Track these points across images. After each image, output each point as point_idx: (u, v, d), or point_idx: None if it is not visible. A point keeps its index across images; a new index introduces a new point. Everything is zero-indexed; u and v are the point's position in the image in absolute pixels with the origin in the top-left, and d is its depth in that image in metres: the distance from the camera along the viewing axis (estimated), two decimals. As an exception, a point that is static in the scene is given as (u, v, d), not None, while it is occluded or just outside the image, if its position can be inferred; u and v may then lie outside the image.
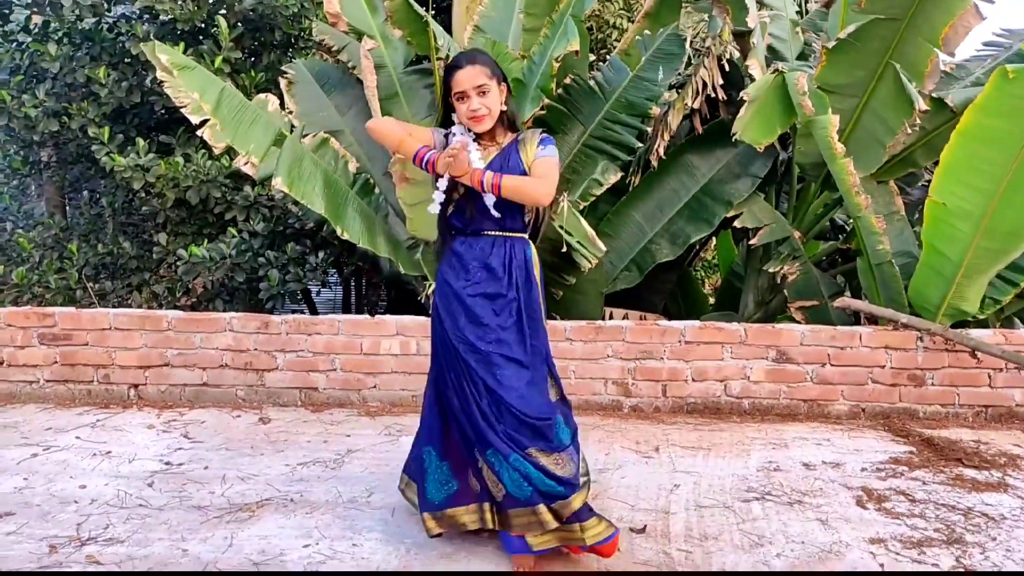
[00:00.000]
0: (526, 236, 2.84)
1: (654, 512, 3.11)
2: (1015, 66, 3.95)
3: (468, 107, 2.65)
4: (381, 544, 2.83)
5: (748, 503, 3.22)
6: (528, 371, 2.69)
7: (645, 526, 3.00)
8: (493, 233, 2.77)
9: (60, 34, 6.03)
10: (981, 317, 4.65)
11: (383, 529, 2.94)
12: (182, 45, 5.39)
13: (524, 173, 2.70)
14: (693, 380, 4.33)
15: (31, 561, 2.67)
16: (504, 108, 2.72)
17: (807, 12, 6.79)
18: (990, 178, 4.14)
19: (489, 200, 2.71)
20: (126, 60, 6.03)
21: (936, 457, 3.74)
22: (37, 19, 6.04)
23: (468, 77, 2.63)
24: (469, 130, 2.74)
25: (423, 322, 4.44)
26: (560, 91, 5.30)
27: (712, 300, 7.57)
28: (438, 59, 4.52)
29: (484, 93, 2.64)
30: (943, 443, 3.91)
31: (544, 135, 2.78)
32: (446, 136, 2.79)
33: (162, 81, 4.75)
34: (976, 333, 4.31)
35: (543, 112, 5.18)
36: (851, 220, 5.16)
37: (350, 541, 2.85)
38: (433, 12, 4.96)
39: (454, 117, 2.76)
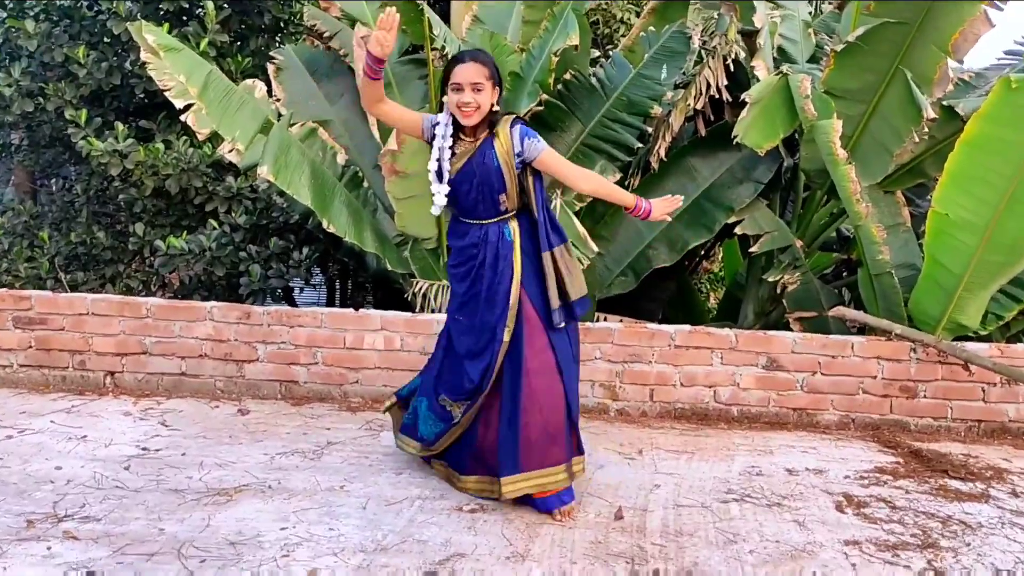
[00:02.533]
0: None
1: (632, 509, 3.45)
2: (1018, 75, 4.30)
3: (459, 99, 3.15)
4: (358, 530, 3.15)
5: (726, 504, 3.56)
6: None
7: (620, 507, 3.39)
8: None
9: (37, 10, 6.33)
10: (983, 333, 5.00)
11: (360, 516, 3.27)
12: (166, 26, 5.64)
13: (499, 167, 3.24)
14: (682, 385, 4.68)
15: (9, 535, 2.98)
16: (496, 109, 3.22)
17: (821, 13, 7.18)
18: (994, 188, 4.47)
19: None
20: (106, 40, 6.33)
21: (922, 468, 4.08)
22: (14, -7, 6.33)
23: (467, 73, 3.14)
24: (454, 120, 3.24)
25: (408, 318, 4.78)
26: (559, 87, 5.66)
27: (714, 314, 7.91)
28: (433, 49, 4.87)
29: (478, 90, 3.14)
30: (931, 455, 4.25)
31: (519, 124, 3.28)
32: (433, 125, 3.30)
33: (145, 63, 5.10)
34: (970, 346, 4.66)
35: (540, 108, 5.54)
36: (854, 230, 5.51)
37: (327, 526, 3.17)
38: (431, 1, 5.31)
39: (445, 103, 3.25)
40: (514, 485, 3.28)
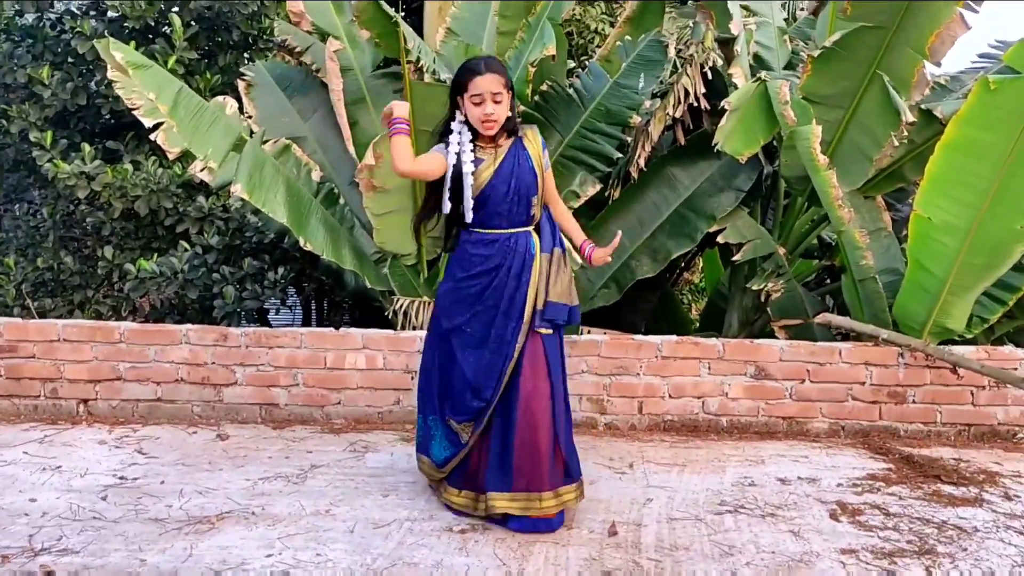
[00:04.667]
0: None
1: (626, 524, 3.45)
2: (996, 76, 4.37)
3: (483, 111, 3.19)
4: (346, 554, 3.12)
5: (720, 516, 3.57)
6: None
7: (613, 523, 3.40)
8: None
9: (-2, 30, 6.29)
10: (968, 336, 5.06)
11: (348, 540, 3.24)
12: (132, 44, 5.60)
13: (533, 169, 3.33)
14: (670, 397, 4.70)
15: (-16, 570, 2.94)
16: (509, 115, 3.27)
17: (796, 20, 7.28)
18: (975, 191, 4.54)
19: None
20: (71, 60, 6.30)
21: (914, 474, 4.12)
22: (-28, 13, 6.28)
23: (487, 83, 3.17)
24: (470, 129, 3.29)
25: (390, 335, 4.77)
26: (536, 98, 5.69)
27: (697, 325, 7.94)
28: (408, 63, 4.88)
29: (498, 101, 3.19)
30: (923, 461, 4.30)
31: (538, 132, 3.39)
32: (446, 145, 3.32)
33: (112, 82, 5.07)
34: (958, 349, 4.72)
35: (519, 120, 5.56)
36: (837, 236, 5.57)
37: (314, 551, 3.14)
38: (403, 13, 5.32)
39: (453, 125, 3.30)
40: (501, 502, 3.28)
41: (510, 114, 3.27)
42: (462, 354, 3.36)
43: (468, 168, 3.26)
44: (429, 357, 3.52)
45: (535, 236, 3.38)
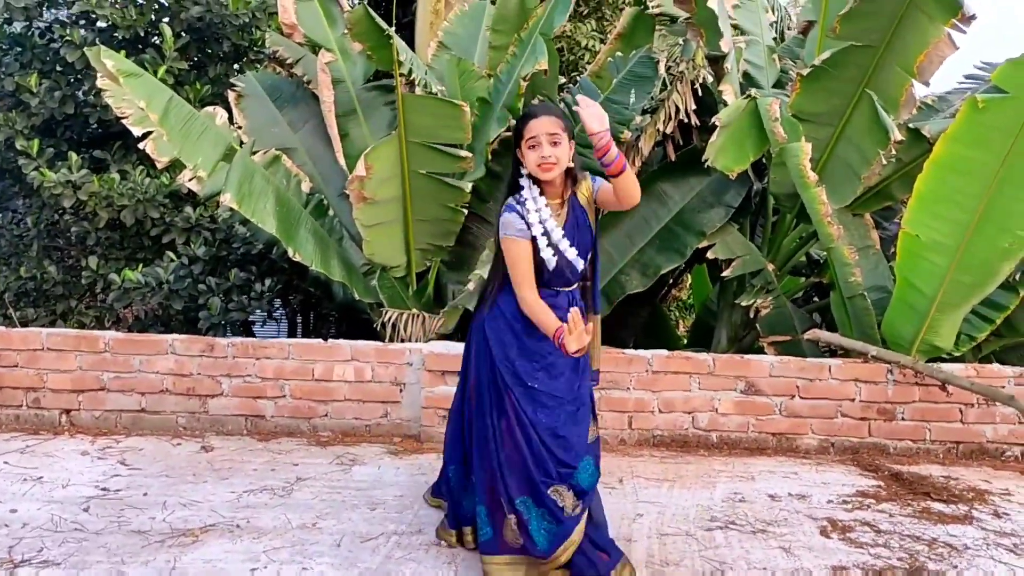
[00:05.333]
0: None
1: (616, 540, 3.40)
2: (985, 95, 4.41)
3: (539, 154, 2.93)
4: (332, 568, 3.08)
5: (711, 531, 3.54)
6: None
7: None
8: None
9: (-15, 39, 6.24)
10: (956, 354, 5.08)
11: (335, 554, 3.19)
12: (122, 54, 5.59)
13: (588, 225, 3.06)
14: (660, 411, 4.68)
15: (-38, 582, 2.88)
16: (571, 164, 3.02)
17: (784, 40, 7.34)
18: (964, 209, 4.56)
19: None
20: (59, 68, 6.26)
21: (904, 491, 4.11)
22: (-38, 21, 6.23)
23: (543, 125, 2.94)
24: (536, 184, 3.01)
25: (379, 347, 4.72)
26: (527, 112, 5.68)
27: (686, 341, 7.95)
28: (400, 75, 4.88)
29: (556, 143, 2.94)
30: (912, 478, 4.29)
31: (597, 179, 3.09)
32: (521, 214, 3.00)
33: (100, 90, 5.05)
34: (946, 367, 4.72)
35: (509, 134, 5.56)
36: (825, 253, 5.59)
37: (300, 565, 3.09)
38: (394, 27, 5.33)
39: (521, 180, 3.03)
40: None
41: (572, 164, 3.02)
42: (535, 413, 3.04)
43: (563, 244, 3.00)
44: (493, 414, 3.13)
45: (580, 296, 3.19)
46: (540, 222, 2.99)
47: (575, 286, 3.17)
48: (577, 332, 2.75)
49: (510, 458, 3.00)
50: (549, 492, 2.96)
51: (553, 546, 2.94)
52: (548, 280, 3.06)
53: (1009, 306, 5.13)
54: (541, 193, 3.03)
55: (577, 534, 2.97)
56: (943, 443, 4.71)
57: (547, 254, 2.99)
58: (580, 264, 3.08)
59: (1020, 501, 4.05)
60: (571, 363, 3.08)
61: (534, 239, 3.00)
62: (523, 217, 2.99)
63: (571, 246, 3.02)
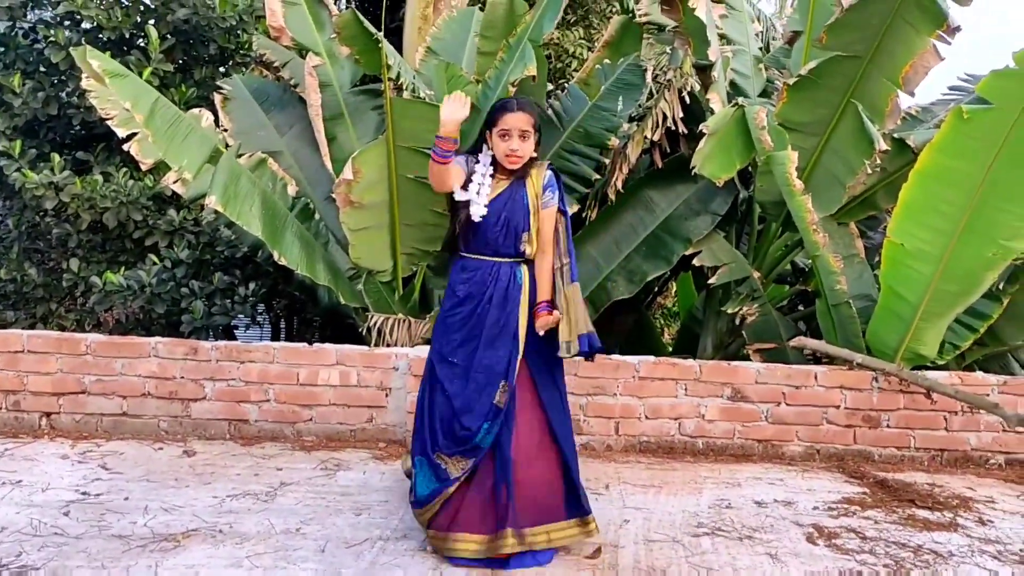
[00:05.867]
0: None
1: (603, 546, 3.39)
2: (970, 106, 4.45)
3: (508, 146, 3.23)
4: (316, 574, 3.04)
5: (698, 538, 3.53)
6: None
7: (600, 547, 3.32)
8: None
9: (-32, 39, 6.18)
10: (940, 363, 5.10)
11: (319, 559, 3.16)
12: (107, 55, 5.56)
13: (527, 207, 3.29)
14: (646, 418, 4.67)
15: (-62, 588, 2.83)
16: (535, 155, 3.31)
17: (770, 50, 7.38)
18: (948, 218, 4.59)
19: None
20: (43, 69, 6.21)
21: (889, 498, 4.12)
22: (-55, 21, 6.20)
23: (517, 120, 3.22)
24: (492, 161, 3.30)
25: (364, 351, 4.69)
26: (514, 118, 5.67)
27: (671, 348, 7.96)
28: (389, 80, 4.86)
29: (525, 138, 3.24)
30: (897, 485, 4.30)
31: (550, 172, 3.34)
32: (468, 163, 3.34)
33: (84, 92, 5.00)
34: (931, 374, 4.75)
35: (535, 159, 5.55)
36: (811, 261, 5.60)
37: (283, 571, 3.06)
38: (383, 31, 5.31)
39: (488, 144, 3.31)
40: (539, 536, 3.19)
41: (535, 154, 3.31)
42: (449, 383, 3.26)
43: (479, 202, 3.26)
44: (421, 393, 3.41)
45: (524, 268, 3.32)
46: (478, 184, 3.27)
47: (508, 259, 3.30)
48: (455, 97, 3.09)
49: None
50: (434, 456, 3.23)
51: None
52: (472, 244, 3.32)
53: (992, 315, 5.16)
54: (493, 163, 3.31)
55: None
56: (928, 450, 4.73)
57: (473, 210, 3.24)
58: (500, 235, 3.27)
59: (1004, 509, 4.07)
60: (489, 335, 3.24)
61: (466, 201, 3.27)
62: (468, 165, 3.31)
63: (486, 209, 3.24)
